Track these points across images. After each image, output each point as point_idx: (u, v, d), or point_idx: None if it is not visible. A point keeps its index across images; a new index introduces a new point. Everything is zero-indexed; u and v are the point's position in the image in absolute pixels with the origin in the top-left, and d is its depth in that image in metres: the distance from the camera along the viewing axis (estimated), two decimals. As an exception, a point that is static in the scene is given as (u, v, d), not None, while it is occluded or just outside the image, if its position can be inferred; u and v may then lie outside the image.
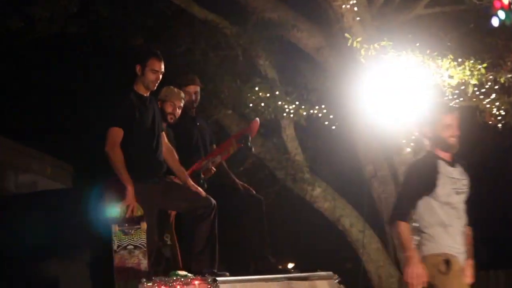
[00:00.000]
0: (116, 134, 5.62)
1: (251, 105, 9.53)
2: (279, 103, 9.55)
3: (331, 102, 9.71)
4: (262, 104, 9.47)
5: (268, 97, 9.48)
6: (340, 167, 11.49)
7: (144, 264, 5.55)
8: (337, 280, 6.66)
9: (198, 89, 6.64)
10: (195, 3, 9.93)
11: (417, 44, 7.76)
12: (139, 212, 5.58)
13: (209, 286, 5.06)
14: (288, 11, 9.91)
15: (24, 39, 10.25)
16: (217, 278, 5.13)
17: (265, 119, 9.79)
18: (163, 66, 5.81)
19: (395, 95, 7.88)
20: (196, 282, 5.11)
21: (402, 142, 8.87)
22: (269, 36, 9.77)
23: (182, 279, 5.17)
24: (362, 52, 7.71)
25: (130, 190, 5.50)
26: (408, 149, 9.01)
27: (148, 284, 5.18)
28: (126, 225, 5.54)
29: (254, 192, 6.70)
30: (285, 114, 9.72)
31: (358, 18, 8.43)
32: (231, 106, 9.91)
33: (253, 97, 9.45)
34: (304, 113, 9.69)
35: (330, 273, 6.63)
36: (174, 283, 5.14)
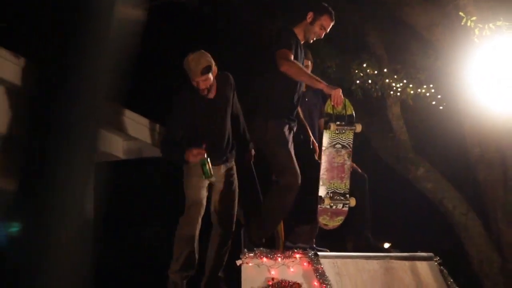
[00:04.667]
0: (288, 54, 5.48)
1: (358, 81, 9.48)
2: (387, 80, 9.47)
3: (440, 81, 9.56)
4: (370, 81, 9.41)
5: (375, 74, 9.41)
6: (445, 148, 11.31)
7: (348, 164, 5.56)
8: (437, 262, 6.59)
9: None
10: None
11: (534, 26, 7.51)
12: (350, 110, 5.54)
13: (310, 261, 5.09)
14: (402, -12, 9.76)
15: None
16: (319, 253, 5.16)
17: (372, 96, 9.73)
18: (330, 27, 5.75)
19: (507, 77, 7.67)
20: (298, 256, 5.15)
21: (512, 125, 8.68)
22: (380, 13, 9.66)
23: (284, 252, 5.22)
24: (476, 31, 7.52)
25: (323, 85, 5.42)
26: (519, 132, 8.81)
27: (250, 254, 5.25)
28: (343, 123, 5.49)
29: (359, 169, 6.67)
30: (392, 92, 9.63)
31: (473, -3, 8.23)
32: (338, 82, 9.86)
33: (361, 73, 9.39)
34: (412, 92, 9.58)
35: (431, 254, 6.57)
36: (275, 255, 5.19)
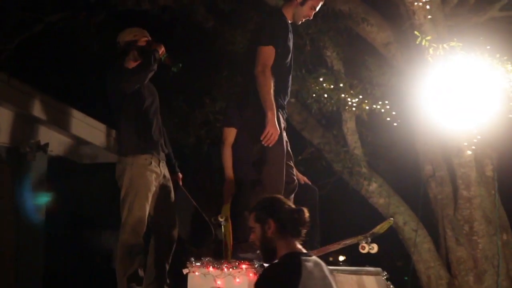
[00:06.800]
0: (270, 54, 5.03)
1: (314, 95, 9.53)
2: (343, 95, 9.52)
3: (395, 98, 9.65)
4: (325, 95, 9.46)
5: (332, 88, 9.46)
6: (398, 164, 11.42)
7: None
8: (385, 277, 6.64)
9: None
10: (267, -11, 9.93)
11: (488, 47, 7.64)
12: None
13: (256, 272, 5.10)
14: (359, 4, 9.85)
15: (101, 14, 10.44)
16: (265, 264, 5.17)
17: (327, 110, 9.79)
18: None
19: (460, 96, 7.79)
20: (244, 266, 5.15)
21: (463, 144, 8.77)
22: (338, 27, 9.74)
23: (230, 262, 5.22)
24: (431, 51, 7.62)
25: (271, 116, 4.89)
26: (469, 152, 8.91)
27: (197, 264, 5.25)
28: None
29: (309, 182, 6.68)
30: (347, 107, 9.70)
31: (429, 17, 8.30)
32: (294, 95, 9.92)
33: (317, 87, 9.44)
34: (367, 108, 9.66)
35: (379, 269, 6.61)
36: (222, 265, 5.19)
